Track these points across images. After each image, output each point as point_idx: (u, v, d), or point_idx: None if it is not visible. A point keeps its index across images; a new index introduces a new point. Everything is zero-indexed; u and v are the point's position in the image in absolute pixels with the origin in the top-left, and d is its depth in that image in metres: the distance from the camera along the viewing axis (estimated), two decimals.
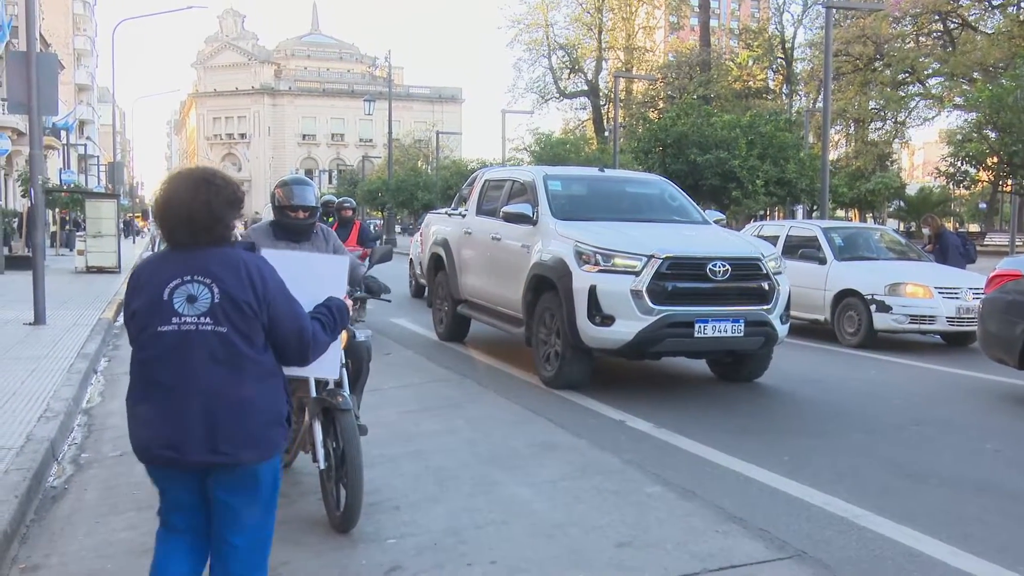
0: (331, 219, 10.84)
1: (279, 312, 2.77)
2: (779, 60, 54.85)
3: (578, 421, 6.83)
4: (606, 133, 48.94)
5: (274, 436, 2.82)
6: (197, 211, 2.71)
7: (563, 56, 56.31)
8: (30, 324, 11.65)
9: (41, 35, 37.46)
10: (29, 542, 4.44)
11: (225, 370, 2.69)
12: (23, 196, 30.24)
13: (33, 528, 4.63)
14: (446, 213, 11.78)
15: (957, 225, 57.69)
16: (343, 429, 4.33)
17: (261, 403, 2.75)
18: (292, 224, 5.12)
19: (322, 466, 4.44)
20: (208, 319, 2.67)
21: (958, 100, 42.77)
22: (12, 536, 4.33)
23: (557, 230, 8.22)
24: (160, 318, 2.70)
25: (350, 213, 11.30)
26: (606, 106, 52.64)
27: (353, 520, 4.35)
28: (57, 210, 31.96)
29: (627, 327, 7.39)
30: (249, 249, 2.87)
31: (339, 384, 4.54)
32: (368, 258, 5.83)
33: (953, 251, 12.82)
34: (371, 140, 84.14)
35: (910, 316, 10.77)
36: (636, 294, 7.38)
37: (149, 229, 34.18)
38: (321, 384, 4.54)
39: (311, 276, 3.56)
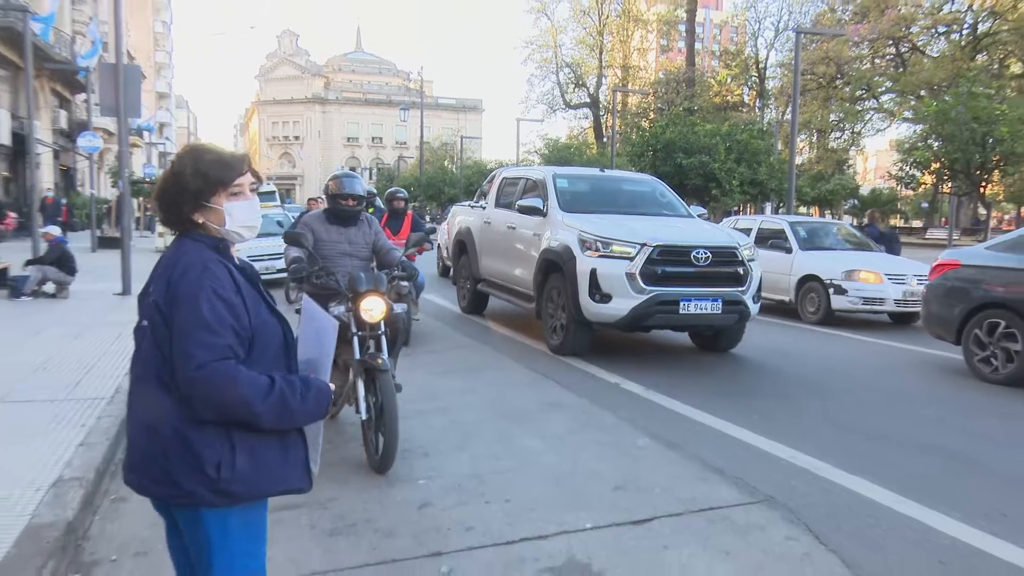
0: (371, 209, 10.21)
1: (175, 322, 1.85)
2: (753, 78, 54.40)
3: (580, 383, 6.82)
4: (605, 139, 48.64)
5: (183, 480, 1.87)
6: (157, 193, 2.01)
7: (569, 73, 55.98)
8: (119, 294, 11.71)
9: (127, 50, 37.40)
10: (118, 478, 4.46)
11: (139, 379, 1.96)
12: (113, 187, 30.33)
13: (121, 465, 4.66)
14: (469, 205, 11.73)
15: (902, 221, 57.27)
16: (382, 386, 4.37)
17: (167, 432, 1.87)
18: (342, 210, 5.12)
19: (363, 417, 4.47)
20: (145, 318, 1.97)
21: (907, 114, 42.45)
22: (104, 472, 4.36)
23: (564, 221, 8.18)
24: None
25: (402, 204, 9.63)
26: (605, 116, 52.26)
27: (389, 463, 4.38)
28: (141, 198, 32.04)
29: (622, 304, 7.38)
30: (217, 249, 1.96)
31: (379, 348, 4.57)
32: (405, 244, 5.81)
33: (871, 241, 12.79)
34: (405, 143, 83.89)
35: (863, 298, 10.72)
36: (630, 276, 7.35)
37: None
38: (364, 347, 4.54)
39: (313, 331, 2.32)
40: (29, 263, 11.83)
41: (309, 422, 2.00)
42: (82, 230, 28.17)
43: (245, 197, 1.96)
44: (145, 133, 46.54)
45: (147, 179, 35.28)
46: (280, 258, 14.66)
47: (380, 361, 4.40)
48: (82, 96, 33.59)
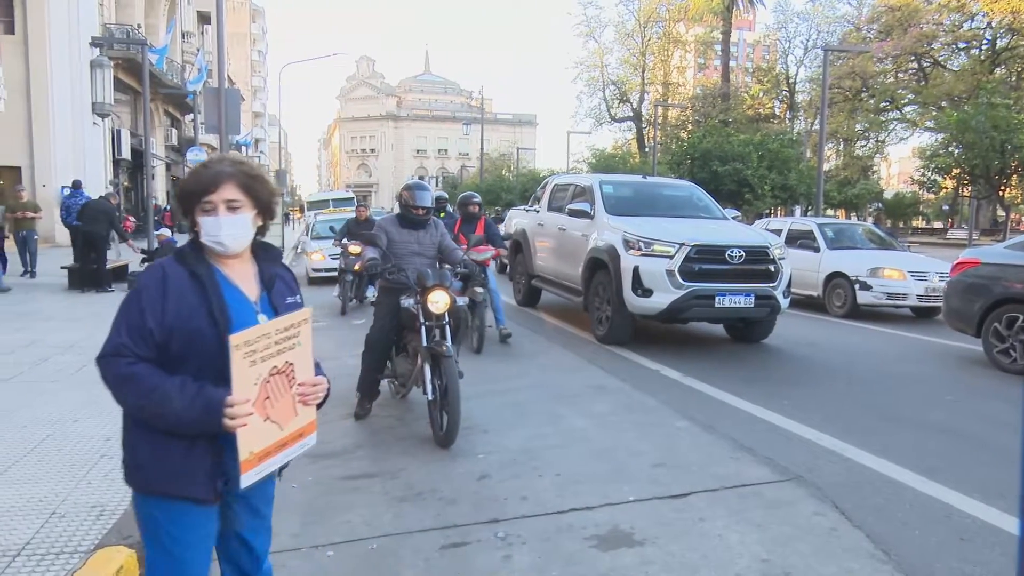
0: (442, 214, 9.44)
1: None
2: (784, 92, 52.97)
3: (623, 369, 6.74)
4: (647, 149, 48.01)
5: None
6: None
7: (614, 90, 55.32)
8: None
9: (228, 76, 38.38)
10: None
11: None
12: None
13: None
14: (524, 209, 11.71)
15: (924, 222, 55.23)
16: (446, 370, 4.40)
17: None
18: (413, 218, 5.14)
19: (430, 397, 4.51)
20: None
21: (929, 123, 40.81)
22: None
23: (609, 223, 8.09)
24: None
25: (476, 208, 8.44)
26: (647, 128, 51.55)
27: (452, 438, 4.39)
28: None
29: (662, 298, 7.27)
30: (183, 255, 1.86)
31: (443, 336, 4.61)
32: (467, 245, 5.83)
33: None
34: (467, 154, 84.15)
35: (887, 293, 10.37)
36: (670, 273, 7.24)
37: (304, 219, 34.92)
38: (431, 336, 4.59)
39: None
40: (145, 260, 12.25)
41: (195, 430, 1.72)
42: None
43: (215, 214, 1.80)
44: (243, 148, 47.67)
45: None
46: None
47: (445, 348, 4.44)
48: (190, 116, 34.67)
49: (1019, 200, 37.25)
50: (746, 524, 3.38)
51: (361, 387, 5.14)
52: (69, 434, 4.28)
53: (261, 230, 1.96)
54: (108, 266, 12.07)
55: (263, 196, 1.90)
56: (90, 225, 11.67)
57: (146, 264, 11.95)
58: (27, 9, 19.61)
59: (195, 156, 22.90)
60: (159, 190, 31.69)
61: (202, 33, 41.58)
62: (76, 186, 13.74)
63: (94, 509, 3.25)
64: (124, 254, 14.19)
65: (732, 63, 55.01)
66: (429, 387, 4.49)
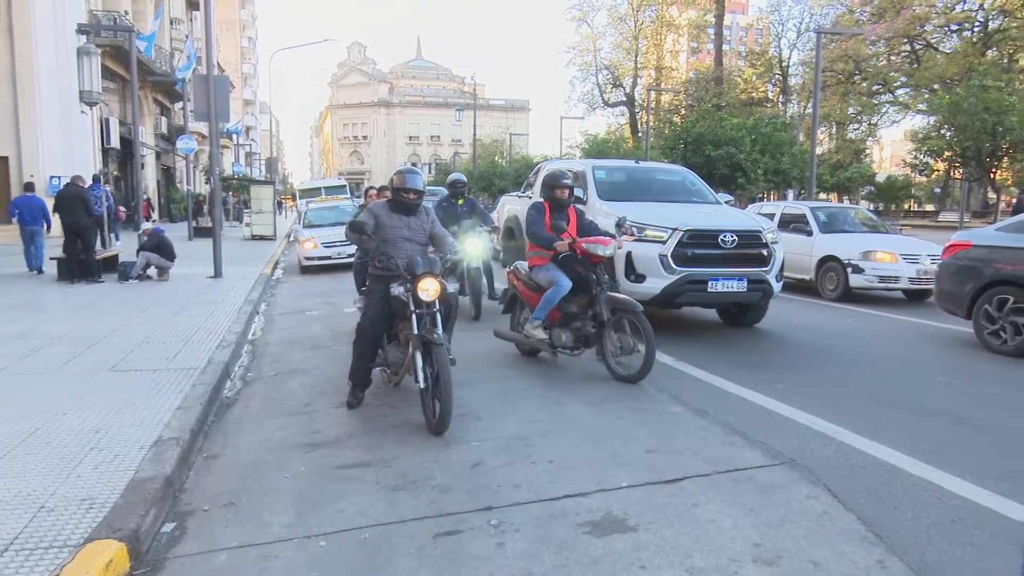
0: (461, 200, 9.14)
1: None
2: (777, 76, 52.86)
3: None
4: (640, 134, 47.89)
5: None
6: None
7: (607, 74, 55.11)
8: (211, 277, 11.97)
9: (218, 63, 38.02)
10: (210, 437, 4.56)
11: None
12: (206, 183, 30.99)
13: (213, 427, 4.76)
14: (517, 195, 11.65)
15: (916, 205, 55.26)
16: (437, 357, 4.39)
17: None
18: (404, 202, 5.11)
19: (422, 385, 4.49)
20: None
21: (921, 107, 40.90)
22: (198, 433, 4.45)
23: (602, 208, 8.06)
24: None
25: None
26: (640, 113, 51.38)
27: (445, 426, 4.38)
28: (230, 192, 32.66)
29: (656, 283, 7.25)
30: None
31: (434, 324, 4.59)
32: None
33: None
34: (460, 140, 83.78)
35: (879, 277, 10.38)
36: (663, 258, 7.22)
37: (296, 207, 34.77)
38: (421, 323, 4.58)
39: None
40: (140, 250, 12.18)
41: None
42: (180, 221, 28.87)
43: None
44: (233, 136, 47.34)
45: (235, 176, 36.00)
46: (350, 244, 14.91)
47: (436, 335, 4.43)
48: (180, 104, 34.32)
49: (1010, 182, 37.23)
50: (739, 508, 3.38)
51: (353, 376, 5.12)
52: (58, 427, 4.25)
53: None
54: (99, 256, 11.98)
55: None
56: (68, 215, 11.52)
57: (138, 254, 11.87)
58: None
59: (185, 145, 22.68)
60: (149, 179, 31.45)
61: (191, 19, 41.14)
62: (95, 180, 13.79)
63: (84, 502, 3.23)
64: (118, 243, 14.11)
65: (725, 47, 54.80)
66: (421, 375, 4.47)
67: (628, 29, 53.94)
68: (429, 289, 4.55)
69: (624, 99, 55.00)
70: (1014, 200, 31.05)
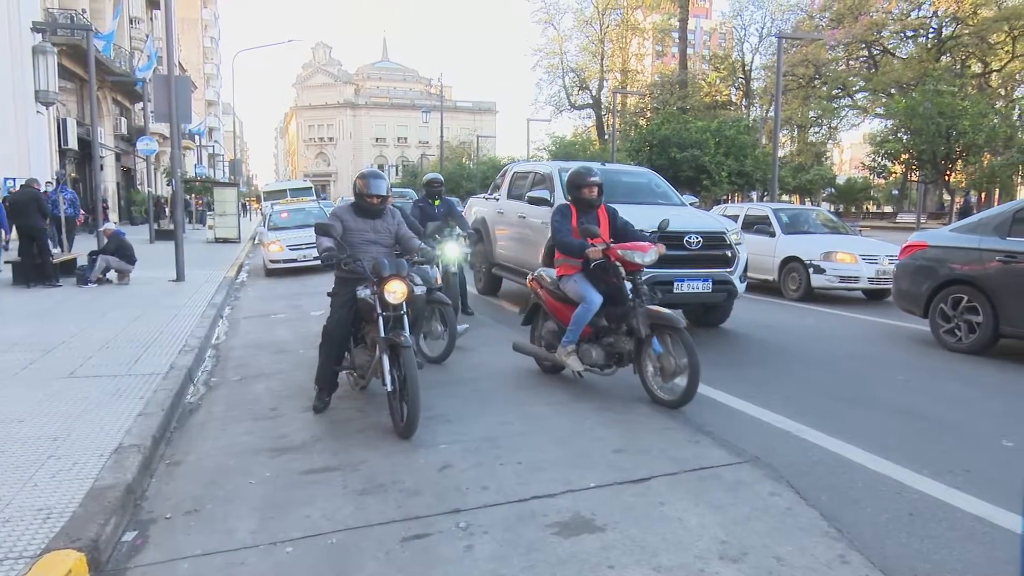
0: (438, 201, 8.87)
1: None
2: (740, 79, 53.67)
3: None
4: (606, 136, 48.21)
5: None
6: None
7: (573, 77, 55.42)
8: (173, 281, 11.76)
9: (179, 63, 37.39)
10: (173, 444, 4.47)
11: None
12: (167, 185, 30.37)
13: (175, 433, 4.67)
14: (484, 198, 11.64)
15: (874, 207, 56.51)
16: (405, 360, 4.35)
17: None
18: (367, 207, 5.06)
19: (389, 388, 4.46)
20: None
21: (879, 110, 41.84)
22: (160, 439, 4.37)
23: None
24: None
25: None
26: (606, 115, 51.75)
27: (413, 429, 4.35)
28: (193, 195, 32.10)
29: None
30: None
31: (401, 327, 4.56)
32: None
33: None
34: (427, 142, 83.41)
35: (840, 277, 10.60)
36: None
37: (261, 209, 34.30)
38: (388, 326, 4.54)
39: None
40: (92, 254, 11.92)
41: None
42: (141, 224, 28.28)
43: None
44: (196, 137, 46.54)
45: (198, 177, 35.39)
46: (315, 247, 14.77)
47: (403, 338, 4.40)
48: (140, 105, 33.63)
49: (963, 184, 38.31)
50: (705, 506, 3.42)
51: (319, 379, 5.07)
52: (14, 435, 4.13)
53: None
54: (56, 260, 11.68)
55: None
56: (21, 218, 11.22)
57: (93, 258, 11.61)
58: None
59: (145, 146, 22.23)
60: (109, 181, 30.78)
61: (151, 19, 40.37)
62: (60, 182, 13.43)
63: (41, 512, 3.15)
64: (77, 246, 13.78)
65: (689, 50, 55.45)
66: (388, 378, 4.42)
67: (594, 32, 54.35)
68: (396, 291, 4.51)
69: (590, 102, 55.37)
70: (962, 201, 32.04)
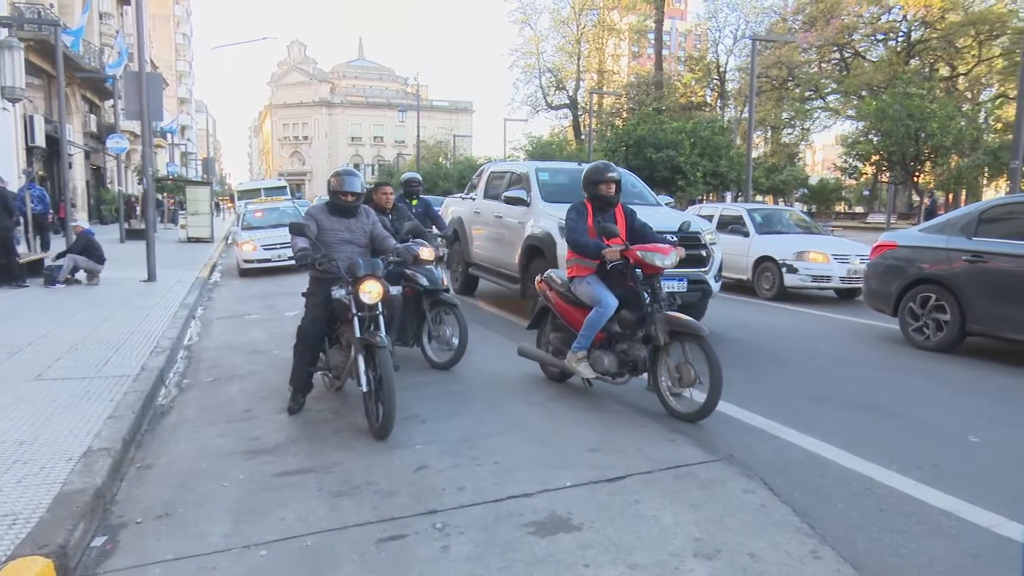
0: (415, 200, 8.64)
1: None
2: (715, 81, 54.14)
3: None
4: (583, 136, 48.40)
5: None
6: None
7: (550, 77, 55.49)
8: (144, 281, 11.58)
9: (151, 60, 36.84)
10: (144, 447, 4.41)
11: None
12: (139, 183, 29.91)
13: (146, 436, 4.60)
14: (460, 197, 11.62)
15: (846, 207, 57.36)
16: (380, 361, 4.32)
17: None
18: (342, 205, 5.01)
19: (364, 389, 4.43)
20: None
21: (850, 112, 42.43)
22: (130, 442, 4.30)
23: (545, 210, 8.11)
24: None
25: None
26: (583, 116, 51.95)
27: (388, 430, 4.34)
28: (165, 194, 31.66)
29: None
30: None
31: (377, 327, 4.52)
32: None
33: None
34: (404, 141, 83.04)
35: (812, 276, 10.74)
36: None
37: (234, 208, 33.91)
38: (364, 326, 4.51)
39: None
40: (60, 254, 11.70)
41: None
42: (112, 223, 27.84)
43: None
44: (168, 135, 45.87)
45: (170, 176, 34.89)
46: (290, 247, 14.63)
47: (378, 338, 4.37)
48: (110, 102, 33.10)
49: (932, 185, 39.04)
50: (680, 504, 3.45)
51: (294, 380, 5.02)
52: None
53: None
54: (23, 260, 11.44)
55: None
56: None
57: (64, 256, 11.40)
58: None
59: (116, 144, 21.87)
60: (78, 179, 30.23)
61: (121, 14, 39.72)
62: (30, 180, 13.18)
63: (6, 518, 3.08)
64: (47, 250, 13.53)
65: (665, 52, 55.83)
66: (363, 379, 4.39)
67: (570, 32, 54.47)
68: (371, 291, 4.48)
69: (567, 102, 55.50)
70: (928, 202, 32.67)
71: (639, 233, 5.27)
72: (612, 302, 4.95)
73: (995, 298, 6.62)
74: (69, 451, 3.86)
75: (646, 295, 4.91)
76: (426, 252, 6.09)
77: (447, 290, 6.44)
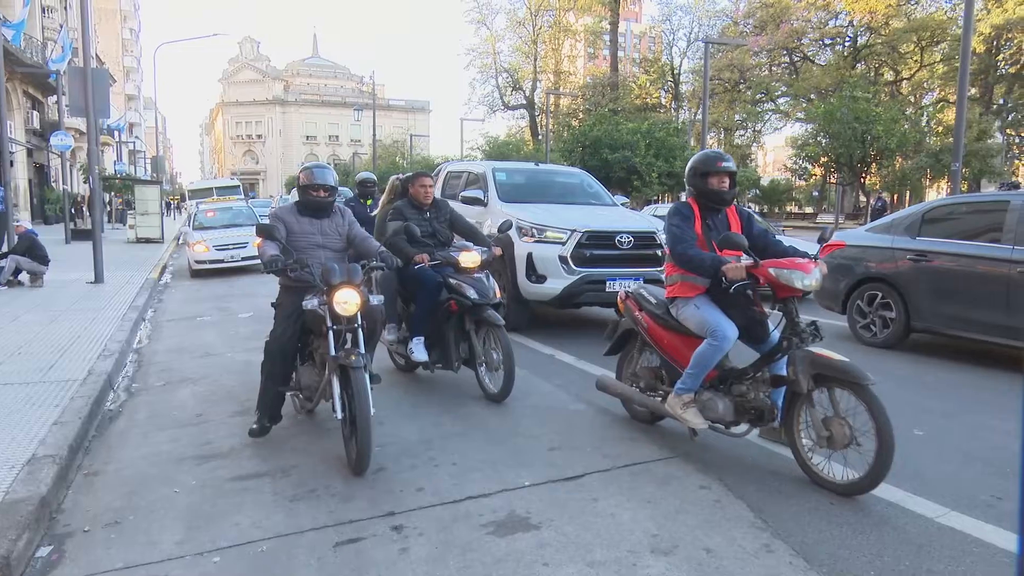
0: (370, 201, 8.67)
1: None
2: (669, 83, 54.92)
3: (519, 355, 6.65)
4: (540, 137, 48.58)
5: None
6: None
7: (507, 77, 55.59)
8: (91, 283, 11.24)
9: (96, 55, 35.72)
10: (91, 453, 4.27)
11: None
12: (84, 182, 29.01)
13: (94, 442, 4.47)
14: None
15: (796, 207, 58.78)
16: (356, 384, 3.76)
17: None
18: (314, 202, 4.44)
19: (339, 415, 3.90)
20: None
21: (800, 115, 43.47)
22: (77, 449, 4.16)
23: (502, 210, 8.11)
24: None
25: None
26: (539, 116, 52.14)
27: (364, 466, 3.80)
28: (112, 193, 30.75)
29: (556, 284, 7.37)
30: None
31: (356, 343, 3.98)
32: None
33: None
34: (359, 141, 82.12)
35: None
36: (562, 259, 7.35)
37: (185, 208, 33.11)
38: (340, 342, 3.96)
39: None
40: (1, 256, 11.28)
41: None
42: (56, 223, 26.94)
43: None
44: (115, 132, 44.58)
45: (118, 175, 33.93)
46: (243, 247, 14.35)
47: (353, 358, 3.80)
48: (54, 98, 32.00)
49: (878, 186, 40.26)
50: (637, 501, 3.48)
51: (261, 403, 4.42)
52: None
53: None
54: None
55: None
56: None
57: (5, 258, 11.00)
58: None
59: (60, 141, 21.14)
60: (20, 178, 29.15)
61: (65, 8, 38.50)
62: None
63: None
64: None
65: (620, 53, 56.45)
66: (338, 403, 3.85)
67: (527, 33, 54.64)
68: (348, 302, 3.89)
69: (524, 102, 55.68)
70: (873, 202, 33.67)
71: (760, 242, 4.08)
72: (731, 333, 3.89)
73: (938, 296, 6.85)
74: (12, 459, 3.72)
75: (771, 323, 3.94)
76: (467, 258, 5.33)
77: (499, 304, 5.36)
